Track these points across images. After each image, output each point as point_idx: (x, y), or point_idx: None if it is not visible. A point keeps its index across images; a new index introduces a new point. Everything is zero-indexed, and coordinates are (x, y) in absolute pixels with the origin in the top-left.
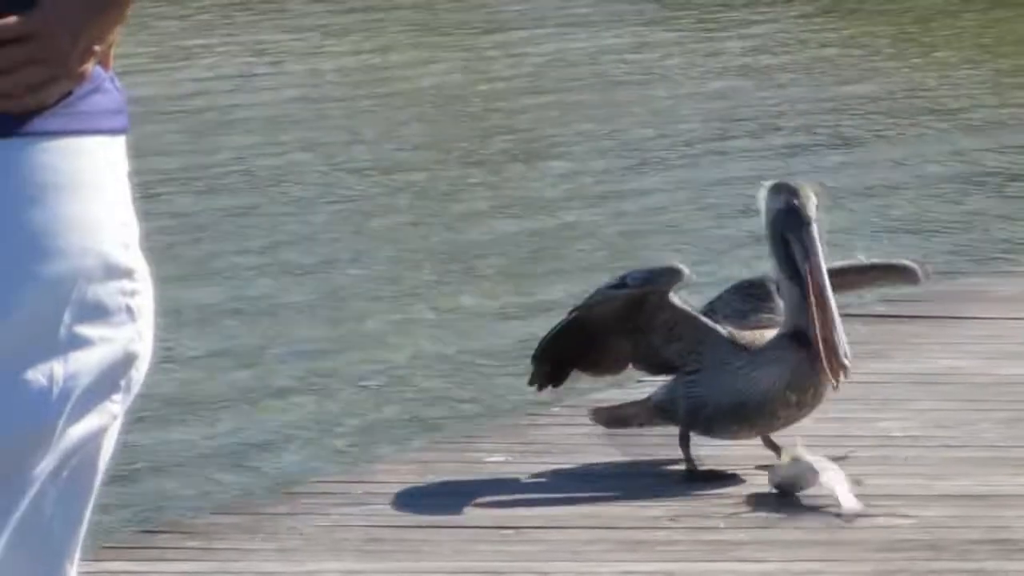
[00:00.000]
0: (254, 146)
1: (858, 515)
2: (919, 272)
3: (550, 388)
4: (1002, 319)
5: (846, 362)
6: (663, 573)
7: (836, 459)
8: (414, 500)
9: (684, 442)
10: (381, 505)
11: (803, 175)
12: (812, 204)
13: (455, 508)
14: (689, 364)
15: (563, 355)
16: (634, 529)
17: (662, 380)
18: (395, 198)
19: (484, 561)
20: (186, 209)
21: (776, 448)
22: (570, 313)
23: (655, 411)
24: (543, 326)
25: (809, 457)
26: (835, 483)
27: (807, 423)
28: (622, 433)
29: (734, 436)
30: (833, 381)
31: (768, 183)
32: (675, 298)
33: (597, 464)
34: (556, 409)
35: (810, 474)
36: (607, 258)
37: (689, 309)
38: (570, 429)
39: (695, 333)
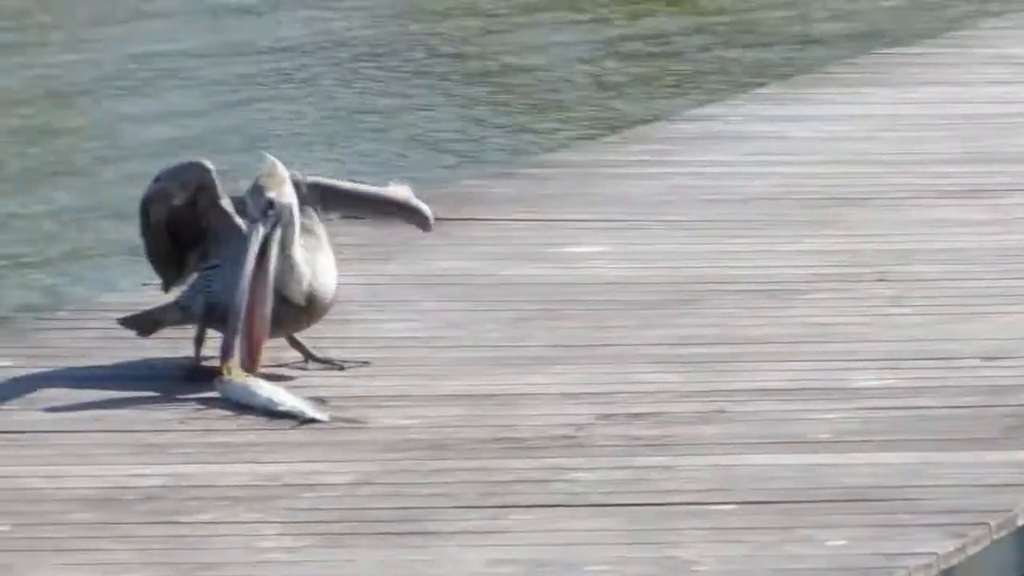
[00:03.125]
0: None
1: (322, 421)
2: (431, 220)
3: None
4: (503, 220)
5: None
6: (174, 475)
7: (357, 363)
8: None
9: (197, 341)
10: None
11: None
12: (265, 197)
13: None
14: (210, 259)
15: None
16: (144, 432)
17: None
18: None
19: None
20: None
21: (302, 348)
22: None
23: (178, 310)
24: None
25: (255, 378)
26: (287, 397)
27: (318, 325)
28: (132, 337)
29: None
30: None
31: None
32: (216, 184)
33: (107, 368)
34: (62, 313)
35: (258, 390)
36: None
37: (223, 200)
38: (77, 333)
39: (223, 226)
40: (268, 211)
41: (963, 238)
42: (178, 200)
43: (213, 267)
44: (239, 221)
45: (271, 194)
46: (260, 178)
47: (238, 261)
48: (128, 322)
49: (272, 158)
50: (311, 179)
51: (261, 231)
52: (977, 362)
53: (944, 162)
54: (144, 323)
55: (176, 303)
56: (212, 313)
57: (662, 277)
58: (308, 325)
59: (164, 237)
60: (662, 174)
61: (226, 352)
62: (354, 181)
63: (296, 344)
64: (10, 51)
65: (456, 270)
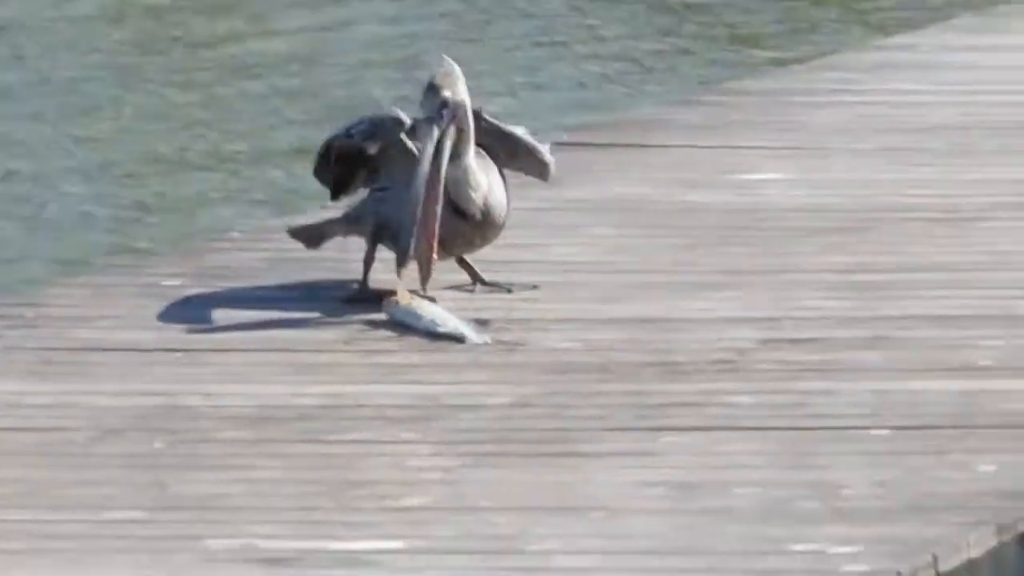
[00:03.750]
0: None
1: (484, 344)
2: (551, 169)
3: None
4: (685, 147)
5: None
6: (332, 395)
7: (525, 287)
8: (87, 323)
9: (366, 262)
10: (53, 328)
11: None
12: (439, 99)
13: (128, 331)
14: (381, 180)
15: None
16: (306, 352)
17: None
18: None
19: (153, 383)
20: None
21: (471, 270)
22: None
23: (346, 224)
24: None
25: (421, 300)
26: (450, 320)
27: (488, 250)
28: (302, 259)
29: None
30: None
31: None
32: (406, 139)
33: (273, 289)
34: (235, 234)
35: (422, 313)
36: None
37: (412, 148)
38: (248, 254)
39: (394, 153)
40: (443, 110)
41: None
42: (367, 151)
43: (384, 188)
44: (411, 145)
45: (446, 93)
46: (435, 78)
47: (409, 184)
48: (296, 233)
49: (450, 59)
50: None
51: (436, 131)
52: None
53: None
54: (312, 235)
55: (345, 217)
56: (381, 232)
57: (839, 204)
58: (481, 244)
59: (338, 167)
60: (847, 103)
61: (401, 259)
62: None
63: (466, 266)
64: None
65: (632, 196)
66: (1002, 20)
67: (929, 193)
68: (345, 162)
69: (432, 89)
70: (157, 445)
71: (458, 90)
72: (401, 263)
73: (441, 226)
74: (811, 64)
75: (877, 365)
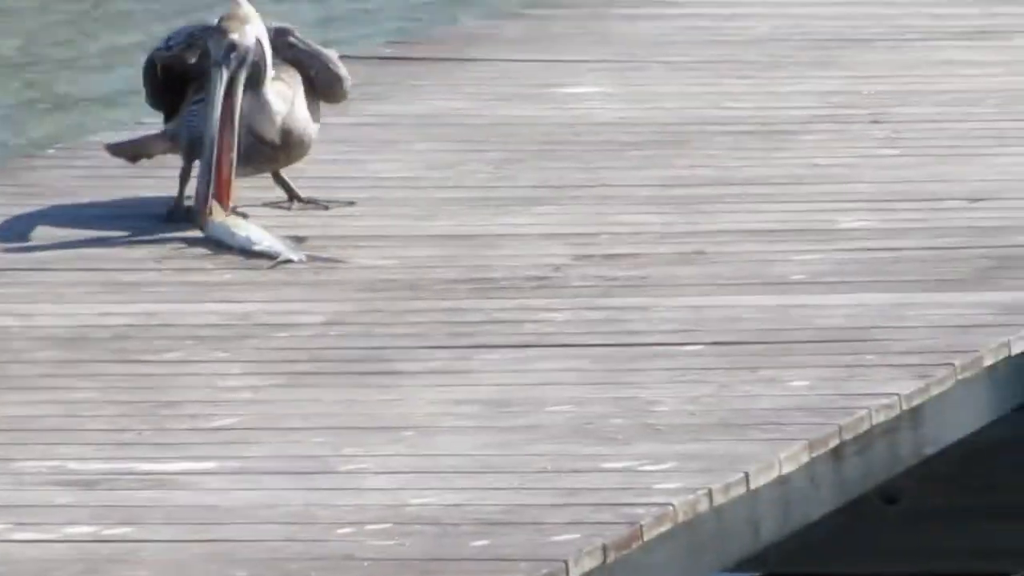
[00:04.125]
0: None
1: (299, 261)
2: (346, 83)
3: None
4: (505, 60)
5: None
6: (144, 313)
7: (342, 204)
8: None
9: (182, 178)
10: None
11: None
12: (226, 40)
13: None
14: (197, 95)
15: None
16: (119, 271)
17: None
18: None
19: None
20: None
21: (287, 187)
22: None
23: (166, 140)
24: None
25: (237, 218)
26: (266, 237)
27: (301, 164)
28: (121, 175)
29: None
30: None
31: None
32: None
33: (92, 206)
34: (51, 151)
35: (237, 230)
36: None
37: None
38: (64, 171)
39: (207, 66)
40: (231, 53)
41: (966, 80)
42: (188, 59)
43: (198, 102)
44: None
45: (233, 36)
46: (222, 21)
47: (202, 129)
48: (115, 149)
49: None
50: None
51: (225, 74)
52: (962, 203)
53: (957, 3)
54: (131, 151)
55: (163, 132)
56: (195, 147)
57: (657, 118)
58: (286, 163)
59: (164, 83)
60: (669, 15)
61: (197, 197)
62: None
63: (281, 182)
64: None
65: (451, 110)
66: None
67: (746, 106)
68: (172, 80)
69: (219, 31)
70: None
71: (245, 31)
72: (196, 199)
73: (244, 150)
74: None
75: (692, 280)
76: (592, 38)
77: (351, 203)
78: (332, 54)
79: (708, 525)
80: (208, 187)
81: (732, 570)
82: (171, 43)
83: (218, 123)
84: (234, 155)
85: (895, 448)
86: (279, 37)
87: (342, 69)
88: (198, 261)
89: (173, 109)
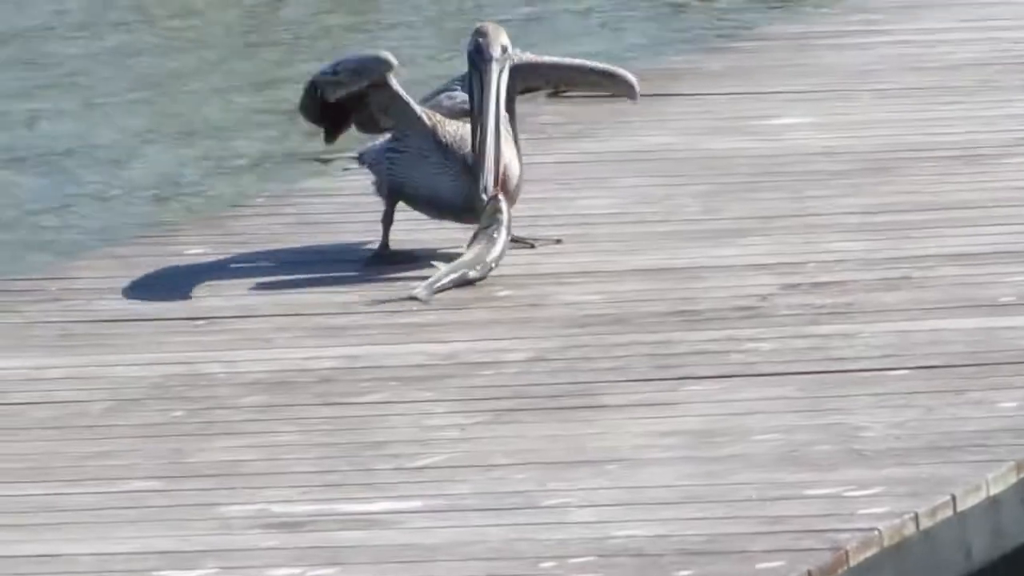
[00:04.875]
0: None
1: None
2: (636, 88)
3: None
4: (708, 95)
5: (484, 196)
6: (349, 356)
7: (548, 241)
8: (110, 295)
9: (386, 221)
10: (77, 301)
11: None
12: (498, 43)
13: (150, 301)
14: (397, 142)
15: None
16: (324, 315)
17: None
18: None
19: (173, 352)
20: None
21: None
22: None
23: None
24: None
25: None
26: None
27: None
28: (324, 220)
29: (439, 219)
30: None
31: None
32: (392, 80)
33: (296, 252)
34: (260, 200)
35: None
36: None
37: (401, 93)
38: (271, 219)
39: (404, 117)
40: (504, 52)
41: None
42: (352, 89)
43: (397, 150)
44: (417, 110)
45: (505, 40)
46: (486, 26)
47: (422, 154)
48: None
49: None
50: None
51: (497, 70)
52: None
53: None
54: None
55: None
56: (396, 195)
57: (862, 146)
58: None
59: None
60: (874, 43)
61: (484, 186)
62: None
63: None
64: None
65: (657, 145)
66: None
67: (952, 131)
68: (335, 104)
69: (481, 34)
70: (175, 414)
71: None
72: (478, 201)
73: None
74: (840, 5)
75: (898, 306)
76: (796, 69)
77: (558, 241)
78: (601, 64)
79: (917, 549)
80: (495, 176)
81: None
82: (338, 68)
83: (494, 118)
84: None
85: None
86: (532, 68)
87: (625, 73)
88: (402, 304)
89: (335, 130)
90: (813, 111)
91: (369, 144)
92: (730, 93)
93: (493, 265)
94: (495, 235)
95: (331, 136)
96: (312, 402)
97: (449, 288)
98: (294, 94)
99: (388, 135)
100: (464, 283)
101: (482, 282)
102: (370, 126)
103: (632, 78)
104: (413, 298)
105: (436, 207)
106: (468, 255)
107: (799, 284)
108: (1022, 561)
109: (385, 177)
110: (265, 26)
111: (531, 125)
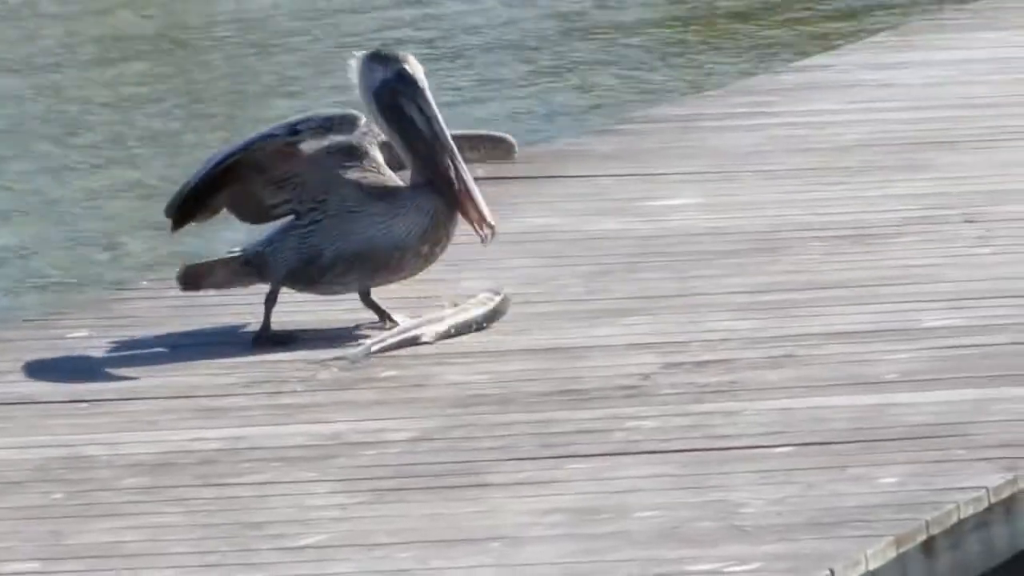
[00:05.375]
0: None
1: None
2: (515, 146)
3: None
4: (598, 176)
5: (494, 223)
6: (232, 437)
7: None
8: None
9: (270, 301)
10: None
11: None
12: (419, 69)
13: (31, 384)
14: (304, 214)
15: (202, 196)
16: (209, 397)
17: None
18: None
19: (54, 435)
20: None
21: (379, 309)
22: (227, 156)
23: (244, 268)
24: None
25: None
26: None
27: (395, 287)
28: (208, 304)
29: (347, 286)
30: (484, 234)
31: (361, 54)
32: (305, 147)
33: (178, 336)
34: (144, 283)
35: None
36: None
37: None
38: (156, 302)
39: (321, 179)
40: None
41: None
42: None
43: (313, 221)
44: (337, 169)
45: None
46: (394, 51)
47: (350, 211)
48: (185, 277)
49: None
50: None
51: (430, 94)
52: None
53: None
54: (196, 276)
55: (243, 261)
56: (306, 269)
57: (749, 226)
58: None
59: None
60: (761, 125)
61: (473, 219)
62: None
63: (372, 305)
64: None
65: (543, 227)
66: (917, 37)
67: (838, 212)
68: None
69: (402, 60)
70: (55, 496)
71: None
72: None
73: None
74: (727, 88)
75: (781, 383)
76: (683, 151)
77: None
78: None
79: None
80: (479, 208)
81: None
82: (299, 127)
83: (450, 140)
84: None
85: (989, 542)
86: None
87: (506, 136)
88: (286, 385)
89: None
90: (700, 192)
91: (251, 239)
92: (617, 175)
93: (451, 331)
94: (469, 310)
95: (178, 226)
96: (193, 483)
97: (392, 349)
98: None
99: (278, 220)
100: (410, 344)
101: (366, 363)
102: (251, 211)
103: (510, 137)
104: (344, 359)
105: (369, 263)
106: (420, 319)
107: (682, 363)
108: None
109: (292, 253)
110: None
111: None
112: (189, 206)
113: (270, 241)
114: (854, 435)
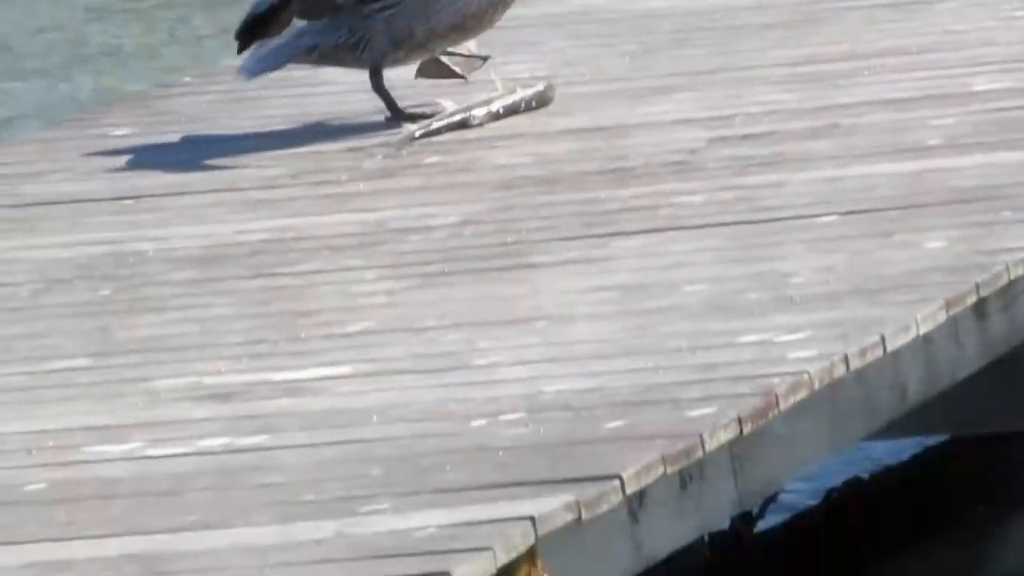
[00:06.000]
0: None
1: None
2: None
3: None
4: None
5: None
6: (280, 228)
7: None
8: (33, 179)
9: (380, 88)
10: (1, 187)
11: None
12: None
13: (75, 183)
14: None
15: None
16: (254, 189)
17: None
18: None
19: (100, 232)
20: None
21: (388, 99)
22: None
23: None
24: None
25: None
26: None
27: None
28: (253, 97)
29: (451, 44)
30: None
31: None
32: None
33: (225, 129)
34: (188, 79)
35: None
36: None
37: None
38: (199, 98)
39: None
40: None
41: None
42: None
43: (387, 7)
44: None
45: None
46: None
47: None
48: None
49: None
50: None
51: None
52: None
53: None
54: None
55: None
56: (394, 51)
57: None
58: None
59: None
60: None
61: None
62: None
63: (381, 91)
64: None
65: (585, 6)
66: None
67: None
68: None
69: None
70: (103, 292)
71: None
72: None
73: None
74: None
75: (827, 153)
76: None
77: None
78: None
79: (850, 392)
80: None
81: (881, 437)
82: None
83: None
84: None
85: None
86: None
87: None
88: (331, 175)
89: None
90: None
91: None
92: None
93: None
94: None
95: (244, 47)
96: (241, 275)
97: (437, 133)
98: None
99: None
100: (458, 127)
101: (411, 150)
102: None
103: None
104: (388, 145)
105: (460, 29)
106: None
107: (727, 136)
108: (958, 398)
109: (385, 35)
110: None
111: None
112: (260, 26)
113: (360, 27)
114: (901, 201)
